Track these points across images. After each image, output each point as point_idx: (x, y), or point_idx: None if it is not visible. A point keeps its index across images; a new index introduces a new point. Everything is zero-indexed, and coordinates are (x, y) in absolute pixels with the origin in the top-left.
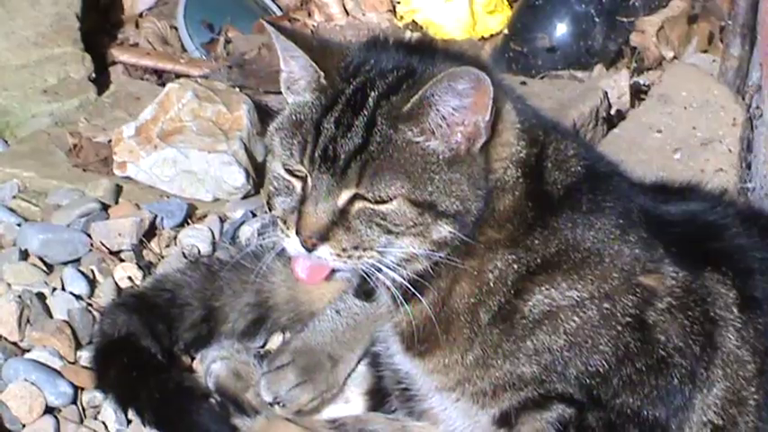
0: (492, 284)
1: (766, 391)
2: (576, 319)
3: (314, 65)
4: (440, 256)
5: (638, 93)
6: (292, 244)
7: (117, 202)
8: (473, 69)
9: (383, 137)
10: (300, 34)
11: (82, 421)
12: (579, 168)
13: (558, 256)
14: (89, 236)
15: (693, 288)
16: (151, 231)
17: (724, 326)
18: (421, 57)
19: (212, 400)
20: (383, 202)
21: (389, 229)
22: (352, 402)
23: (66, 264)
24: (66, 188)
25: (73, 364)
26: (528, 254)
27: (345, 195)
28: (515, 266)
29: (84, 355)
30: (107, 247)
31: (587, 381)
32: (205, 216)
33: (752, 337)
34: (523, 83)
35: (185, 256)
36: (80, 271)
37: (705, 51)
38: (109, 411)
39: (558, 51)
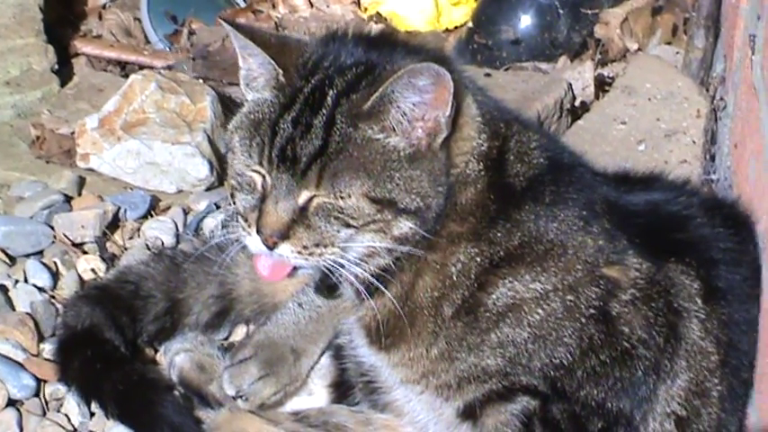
0: (455, 278)
1: (729, 382)
2: (539, 311)
3: (272, 62)
4: (402, 251)
5: (602, 84)
6: (253, 242)
7: (80, 194)
8: (433, 65)
9: (343, 136)
10: (258, 31)
11: (45, 414)
12: (542, 160)
13: (521, 248)
14: (52, 228)
15: (657, 279)
16: (114, 223)
17: (688, 317)
18: (381, 52)
19: (176, 393)
20: (343, 199)
21: (349, 223)
22: (315, 395)
23: (28, 256)
24: (29, 180)
25: (36, 356)
26: (491, 247)
27: (305, 195)
28: (478, 259)
29: (47, 348)
30: (70, 240)
31: (551, 373)
32: (169, 208)
33: (715, 328)
34: (488, 74)
35: (149, 248)
36: (43, 263)
37: (669, 43)
38: (72, 404)
39: (523, 43)
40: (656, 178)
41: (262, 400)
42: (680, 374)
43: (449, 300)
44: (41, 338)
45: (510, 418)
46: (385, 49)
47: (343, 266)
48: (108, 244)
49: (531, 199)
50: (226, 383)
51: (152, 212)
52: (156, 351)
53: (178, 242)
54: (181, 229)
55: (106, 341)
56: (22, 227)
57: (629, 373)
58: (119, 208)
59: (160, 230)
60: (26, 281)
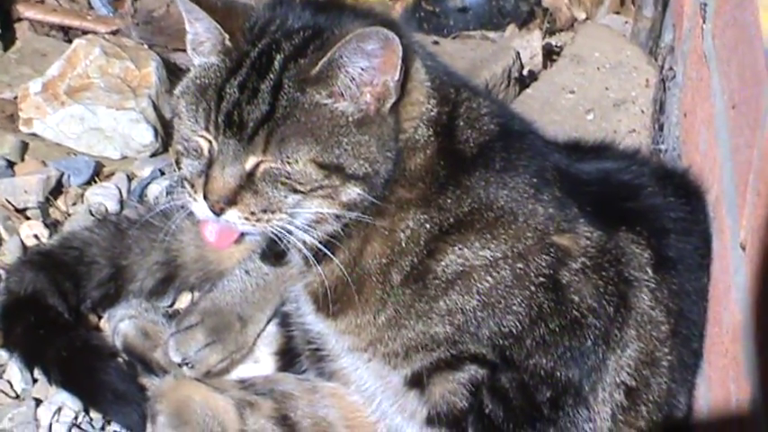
0: (404, 244)
1: (679, 352)
2: (489, 278)
3: (218, 27)
4: (350, 218)
5: (550, 54)
6: (200, 208)
7: (23, 160)
8: (382, 29)
9: (290, 101)
10: None
11: None
12: (492, 126)
13: (470, 215)
14: None
15: (608, 248)
16: (58, 189)
17: (638, 286)
18: (328, 16)
19: (119, 360)
20: (290, 164)
21: (297, 189)
22: (261, 362)
23: None
24: None
25: None
26: (440, 213)
27: (252, 161)
28: (427, 226)
29: None
30: (13, 205)
31: (500, 341)
32: (113, 174)
33: (666, 298)
34: (436, 42)
35: (92, 215)
36: None
37: (617, 13)
38: (14, 370)
39: (470, 11)
40: (607, 147)
41: (208, 368)
42: (630, 344)
43: (397, 266)
44: None
45: (457, 387)
46: (333, 13)
47: (290, 233)
48: (51, 210)
49: (482, 165)
50: (172, 350)
51: (96, 178)
52: (100, 318)
53: (122, 208)
54: (125, 195)
55: (50, 307)
56: None
57: (578, 342)
58: (62, 173)
59: (104, 196)
60: None
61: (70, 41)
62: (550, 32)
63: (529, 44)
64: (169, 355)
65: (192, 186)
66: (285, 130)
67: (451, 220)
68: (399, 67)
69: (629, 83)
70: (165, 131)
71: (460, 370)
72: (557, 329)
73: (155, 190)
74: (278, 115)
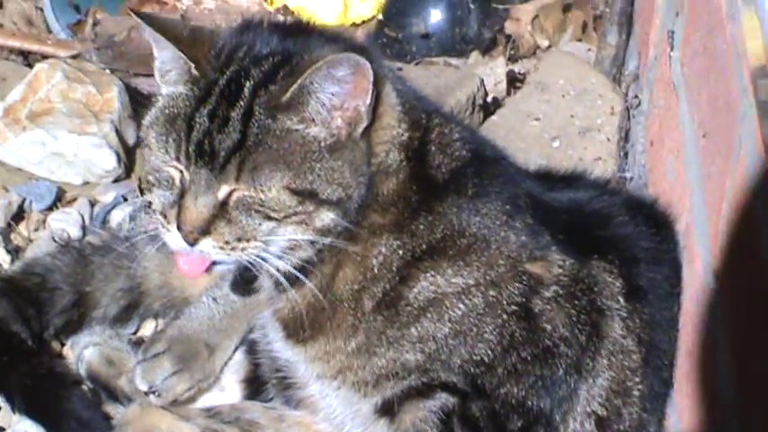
0: (376, 270)
1: (650, 381)
2: (461, 306)
3: (183, 56)
4: (324, 243)
5: (513, 81)
6: (173, 239)
7: None
8: (352, 55)
9: (261, 128)
10: (170, 23)
11: None
12: (464, 152)
13: (443, 241)
14: None
15: (580, 277)
16: (19, 214)
17: (610, 315)
18: (297, 41)
19: (84, 387)
20: (263, 192)
21: (271, 216)
22: (227, 390)
23: None
24: None
25: None
26: (413, 239)
27: (225, 190)
28: (400, 252)
29: None
30: None
31: (472, 369)
32: (75, 200)
33: (637, 327)
34: (399, 69)
35: (55, 240)
36: None
37: (579, 40)
38: None
39: (433, 38)
40: (579, 177)
41: (175, 396)
42: (601, 373)
43: (369, 292)
44: None
45: (428, 415)
46: (301, 38)
47: (265, 260)
48: (13, 235)
49: (454, 191)
50: (138, 378)
51: (57, 204)
52: (63, 345)
53: (84, 234)
54: (87, 221)
55: (12, 334)
56: None
57: (550, 371)
58: (24, 199)
59: (66, 222)
60: None
61: (30, 66)
62: (513, 59)
63: (492, 71)
64: (136, 382)
65: (165, 217)
66: (257, 158)
67: (424, 246)
68: (371, 92)
69: (594, 110)
70: (127, 157)
71: (431, 398)
72: (528, 358)
73: (117, 216)
74: (249, 143)
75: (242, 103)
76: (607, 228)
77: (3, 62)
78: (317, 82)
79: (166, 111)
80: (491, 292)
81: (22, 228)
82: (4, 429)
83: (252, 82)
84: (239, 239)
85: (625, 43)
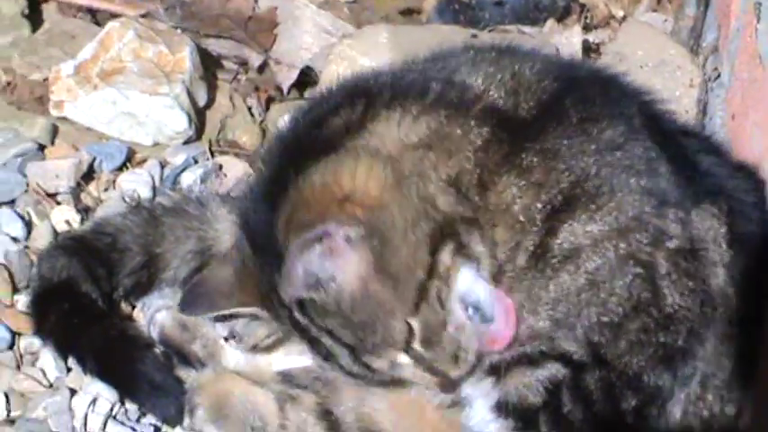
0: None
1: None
2: (596, 259)
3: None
4: None
5: (587, 51)
6: None
7: (53, 143)
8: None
9: None
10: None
11: (19, 368)
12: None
13: (574, 187)
14: (25, 177)
15: (694, 232)
16: (89, 174)
17: (716, 264)
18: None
19: (156, 351)
20: None
21: None
22: (305, 354)
23: (0, 205)
24: (0, 127)
25: (10, 307)
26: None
27: None
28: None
29: (22, 300)
30: (44, 189)
31: (595, 337)
32: (145, 160)
33: (737, 276)
34: (474, 36)
35: (125, 201)
36: (16, 212)
37: (655, 11)
38: (48, 358)
39: (507, 5)
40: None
41: (255, 341)
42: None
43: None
44: (15, 290)
45: (534, 383)
46: None
47: None
48: (83, 195)
49: (555, 122)
50: (219, 324)
51: (128, 164)
52: (134, 307)
53: (155, 195)
54: (158, 182)
55: (83, 294)
56: None
57: (671, 339)
58: (94, 158)
59: (137, 183)
60: None
61: (99, 24)
62: (587, 29)
63: (568, 40)
64: (215, 328)
65: None
66: None
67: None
68: None
69: (672, 82)
70: (198, 119)
71: (541, 367)
72: (651, 325)
73: (188, 178)
74: None
75: None
76: (713, 174)
77: (71, 20)
78: None
79: None
80: (622, 244)
81: (92, 188)
82: (76, 391)
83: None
84: None
85: (703, 15)
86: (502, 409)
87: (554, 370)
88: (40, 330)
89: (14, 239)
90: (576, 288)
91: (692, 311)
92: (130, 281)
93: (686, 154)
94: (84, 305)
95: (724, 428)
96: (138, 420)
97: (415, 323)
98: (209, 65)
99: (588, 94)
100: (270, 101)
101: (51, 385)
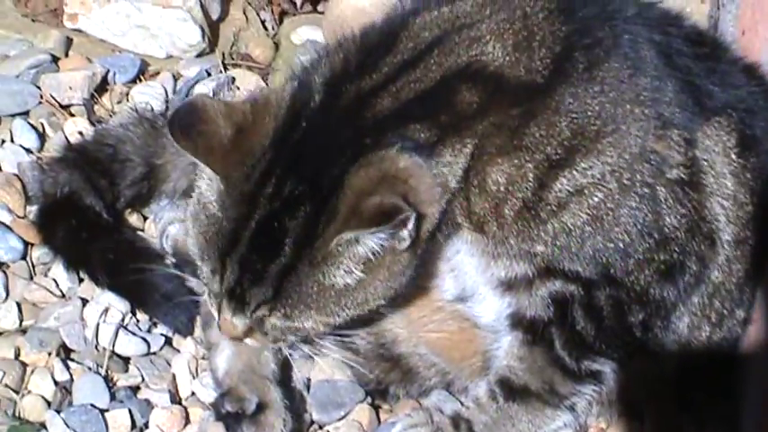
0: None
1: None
2: (598, 194)
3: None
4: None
5: None
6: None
7: (67, 55)
8: (397, 209)
9: (298, 281)
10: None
11: (32, 278)
12: (559, 31)
13: (573, 138)
14: (39, 88)
15: (697, 157)
16: (103, 86)
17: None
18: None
19: (167, 262)
20: (298, 328)
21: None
22: None
23: (14, 116)
24: (15, 38)
25: (23, 218)
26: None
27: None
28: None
29: (35, 210)
30: (57, 101)
31: (604, 258)
32: (158, 73)
33: (749, 180)
34: None
35: (137, 113)
36: (30, 124)
37: None
38: (60, 269)
39: None
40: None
41: None
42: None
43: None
44: (28, 200)
45: (544, 297)
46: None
47: None
48: (96, 107)
49: (563, 77)
50: None
51: (141, 77)
52: (146, 218)
53: (167, 108)
54: (171, 94)
55: (87, 207)
56: (9, 86)
57: (670, 255)
58: (107, 71)
59: (150, 95)
60: (12, 141)
61: None
62: None
63: None
64: None
65: (210, 298)
66: (291, 306)
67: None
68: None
69: None
70: (211, 32)
71: (547, 283)
72: (654, 245)
73: (201, 90)
74: (282, 295)
75: (280, 260)
76: (725, 84)
77: None
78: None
79: (201, 219)
80: (625, 176)
81: (105, 100)
82: (87, 301)
83: (291, 239)
84: (283, 339)
85: None
86: (515, 324)
87: (557, 285)
88: (49, 246)
89: (28, 150)
90: (579, 225)
91: (691, 229)
92: (131, 191)
93: (696, 70)
94: (90, 219)
95: (731, 331)
96: (149, 330)
97: None
98: None
99: (595, 35)
100: (283, 14)
101: (63, 295)
